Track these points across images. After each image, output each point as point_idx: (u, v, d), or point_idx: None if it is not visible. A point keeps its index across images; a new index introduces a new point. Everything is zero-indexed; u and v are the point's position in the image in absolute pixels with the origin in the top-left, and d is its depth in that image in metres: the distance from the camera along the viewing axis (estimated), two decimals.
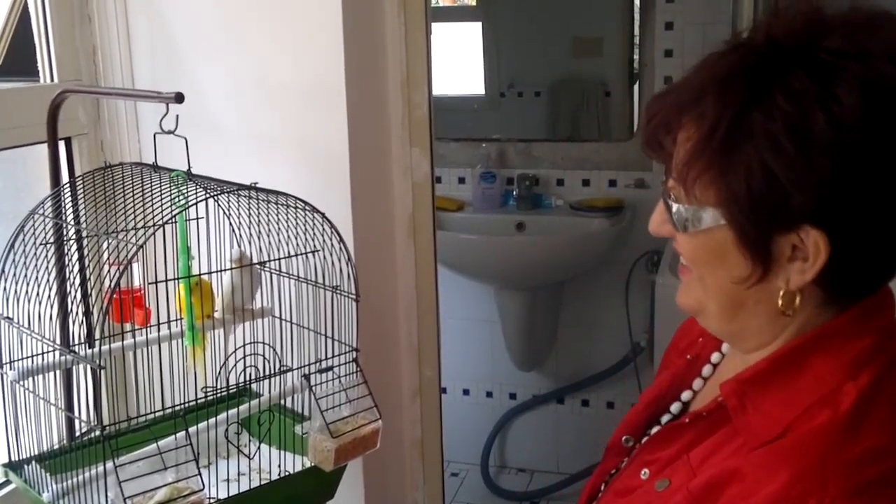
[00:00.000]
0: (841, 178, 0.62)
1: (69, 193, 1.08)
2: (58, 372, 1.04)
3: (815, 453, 0.65)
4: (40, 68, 1.26)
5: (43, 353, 0.98)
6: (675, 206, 0.71)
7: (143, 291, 1.10)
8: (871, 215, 0.65)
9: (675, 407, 0.87)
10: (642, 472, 0.81)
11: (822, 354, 0.70)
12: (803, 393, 0.69)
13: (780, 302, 0.70)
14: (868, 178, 0.63)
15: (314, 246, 1.07)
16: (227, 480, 1.05)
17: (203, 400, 1.02)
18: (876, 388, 0.68)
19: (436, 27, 1.48)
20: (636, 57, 2.47)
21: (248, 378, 1.03)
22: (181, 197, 0.95)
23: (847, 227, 0.65)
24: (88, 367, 0.97)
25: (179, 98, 0.97)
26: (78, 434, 1.13)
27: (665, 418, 0.87)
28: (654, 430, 0.87)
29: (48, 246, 0.99)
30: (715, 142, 0.65)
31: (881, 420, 0.67)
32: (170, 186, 0.97)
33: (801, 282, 0.68)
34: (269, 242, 1.08)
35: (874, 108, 0.61)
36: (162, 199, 0.94)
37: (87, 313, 1.13)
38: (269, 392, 1.09)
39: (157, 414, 0.96)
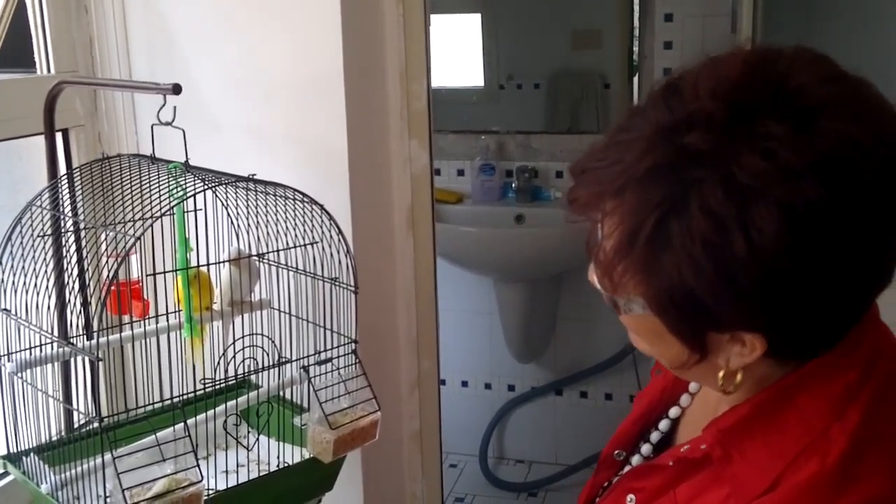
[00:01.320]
0: (766, 296, 0.60)
1: (67, 185, 1.08)
2: (56, 364, 1.04)
3: None
4: (37, 59, 1.25)
5: (41, 345, 0.98)
6: (604, 294, 0.68)
7: (141, 283, 1.09)
8: (805, 317, 0.63)
9: (663, 425, 0.86)
10: (628, 498, 0.80)
11: (806, 395, 0.67)
12: (790, 439, 0.66)
13: (720, 382, 0.68)
14: (796, 291, 0.60)
15: (313, 238, 1.07)
16: (226, 472, 1.05)
17: (202, 391, 1.02)
18: (865, 428, 0.65)
19: (434, 18, 1.47)
20: (636, 49, 2.46)
21: (246, 370, 1.03)
22: (179, 188, 0.95)
23: (781, 328, 0.63)
24: (86, 358, 0.97)
25: (177, 89, 0.97)
26: (76, 426, 1.13)
27: (654, 436, 0.86)
28: (644, 446, 0.86)
29: (46, 238, 0.99)
30: (637, 247, 0.62)
31: (872, 467, 0.64)
32: (168, 178, 0.97)
33: (741, 364, 0.66)
34: (268, 234, 1.08)
35: (798, 233, 0.58)
36: (160, 191, 0.94)
37: (86, 305, 1.13)
38: (268, 383, 1.09)
39: (156, 406, 0.96)
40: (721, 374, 0.67)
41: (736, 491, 0.68)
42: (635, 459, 0.86)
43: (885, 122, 0.62)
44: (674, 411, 0.85)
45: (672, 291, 0.61)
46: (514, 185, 2.55)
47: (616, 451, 0.88)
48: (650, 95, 0.65)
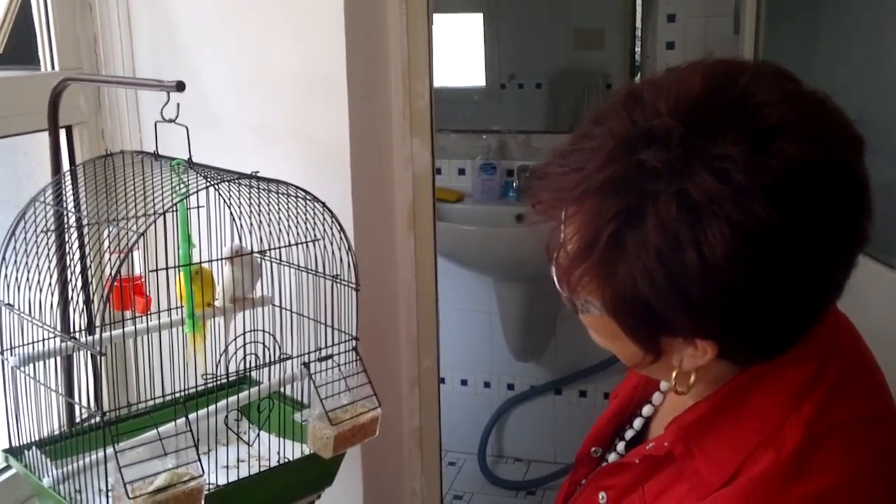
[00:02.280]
0: (718, 308, 0.61)
1: (70, 181, 1.09)
2: (58, 358, 1.04)
3: (758, 503, 0.65)
4: (41, 57, 1.26)
5: (43, 340, 0.99)
6: (563, 294, 0.70)
7: (143, 279, 1.10)
8: (755, 327, 0.64)
9: (637, 422, 0.87)
10: (600, 496, 0.82)
11: (762, 390, 0.69)
12: (748, 433, 0.68)
13: (673, 381, 0.70)
14: (746, 306, 0.62)
15: (314, 235, 1.07)
16: (227, 467, 1.06)
17: (203, 387, 1.02)
18: (820, 421, 0.67)
19: (437, 18, 1.48)
20: (638, 49, 2.46)
21: (248, 366, 1.04)
22: (182, 185, 0.96)
23: (732, 337, 0.65)
24: (89, 353, 0.98)
25: (181, 86, 0.97)
26: (78, 420, 1.14)
27: (629, 434, 0.87)
28: (620, 444, 0.87)
29: (49, 233, 1.00)
30: (594, 254, 0.63)
31: (827, 458, 0.66)
32: (170, 175, 0.98)
33: (694, 366, 0.68)
34: (270, 232, 1.09)
35: (749, 252, 0.59)
36: (163, 188, 0.94)
37: (88, 301, 1.14)
38: (269, 380, 1.09)
39: (158, 401, 0.97)
40: (674, 374, 0.69)
41: (696, 485, 0.69)
42: (611, 457, 0.87)
43: (840, 145, 0.63)
44: (647, 409, 0.87)
45: (626, 298, 0.63)
46: (514, 185, 2.55)
47: (593, 449, 0.90)
48: (613, 103, 0.66)
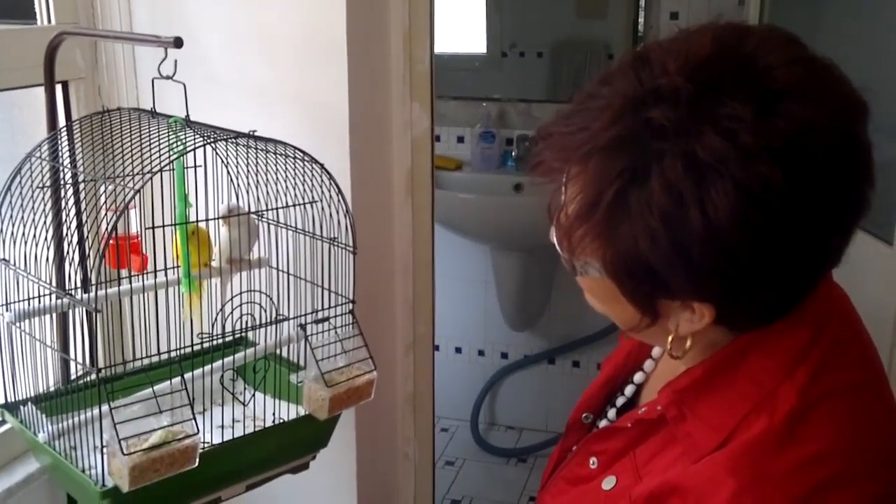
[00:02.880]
0: (719, 270, 0.62)
1: (66, 137, 1.08)
2: (54, 315, 1.04)
3: (751, 467, 0.65)
4: (37, 11, 1.24)
5: (39, 296, 0.98)
6: (562, 255, 0.70)
7: (140, 238, 1.10)
8: (754, 291, 0.64)
9: (629, 389, 0.88)
10: (591, 461, 0.82)
11: (757, 356, 0.69)
12: (741, 398, 0.69)
13: (668, 346, 0.70)
14: (747, 268, 0.62)
15: (312, 197, 1.06)
16: (222, 426, 1.06)
17: (199, 347, 1.02)
18: (813, 388, 0.67)
19: None
20: (641, 19, 2.44)
21: (244, 326, 1.04)
22: (179, 143, 0.95)
23: (731, 300, 0.65)
24: (84, 310, 0.98)
25: (178, 42, 0.96)
26: (73, 377, 1.14)
27: (620, 400, 0.88)
28: (611, 411, 0.88)
29: (45, 189, 0.99)
30: (597, 214, 0.63)
31: (819, 423, 0.66)
32: (168, 132, 0.97)
33: (690, 330, 0.68)
34: (267, 192, 1.08)
35: (753, 212, 0.59)
36: (160, 145, 0.94)
37: (84, 258, 1.13)
38: (266, 341, 1.09)
39: (153, 359, 0.97)
40: (670, 338, 0.70)
41: (688, 449, 0.70)
42: (602, 423, 0.88)
43: (846, 108, 0.63)
44: (638, 376, 0.87)
45: (628, 259, 0.63)
46: (513, 154, 2.54)
47: (584, 415, 0.91)
48: (621, 64, 0.66)
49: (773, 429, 0.66)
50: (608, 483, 0.77)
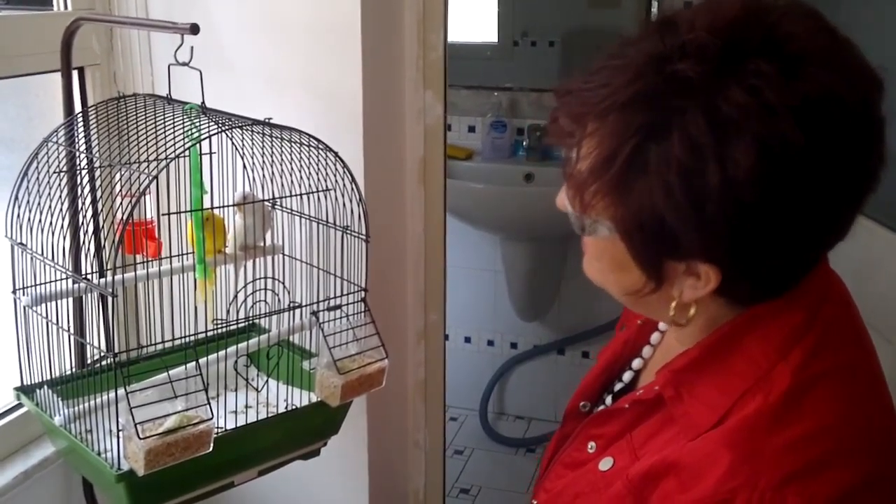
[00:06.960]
0: (731, 227, 0.62)
1: (82, 123, 1.08)
2: (70, 299, 1.05)
3: (747, 442, 0.65)
4: None
5: (56, 280, 0.99)
6: (572, 215, 0.70)
7: (155, 224, 1.10)
8: (762, 255, 0.65)
9: (626, 376, 0.88)
10: (589, 446, 0.83)
11: (753, 336, 0.70)
12: (737, 378, 0.69)
13: (671, 312, 0.71)
14: (758, 228, 0.62)
15: (326, 185, 1.07)
16: (235, 412, 1.07)
17: (213, 333, 1.03)
18: (809, 368, 0.68)
19: None
20: (654, 8, 2.42)
21: (258, 313, 1.04)
22: (195, 130, 0.95)
23: (738, 263, 0.65)
24: (100, 295, 0.98)
25: (195, 29, 0.96)
26: (89, 361, 1.15)
27: (617, 386, 0.88)
28: (608, 398, 0.88)
29: (61, 174, 1.00)
30: (613, 170, 0.63)
31: (814, 404, 0.67)
32: (183, 119, 0.97)
33: (694, 297, 0.68)
34: (282, 182, 1.08)
35: (771, 170, 0.60)
36: (175, 132, 0.94)
37: (99, 243, 1.14)
38: (279, 327, 1.10)
39: (168, 344, 0.98)
40: (673, 304, 0.70)
41: (685, 427, 0.71)
42: (599, 410, 0.88)
43: (865, 80, 0.64)
44: (636, 363, 0.88)
45: (641, 214, 0.64)
46: (524, 144, 2.54)
47: (581, 403, 0.91)
48: (645, 28, 0.67)
49: (768, 407, 0.66)
50: (605, 464, 0.78)
